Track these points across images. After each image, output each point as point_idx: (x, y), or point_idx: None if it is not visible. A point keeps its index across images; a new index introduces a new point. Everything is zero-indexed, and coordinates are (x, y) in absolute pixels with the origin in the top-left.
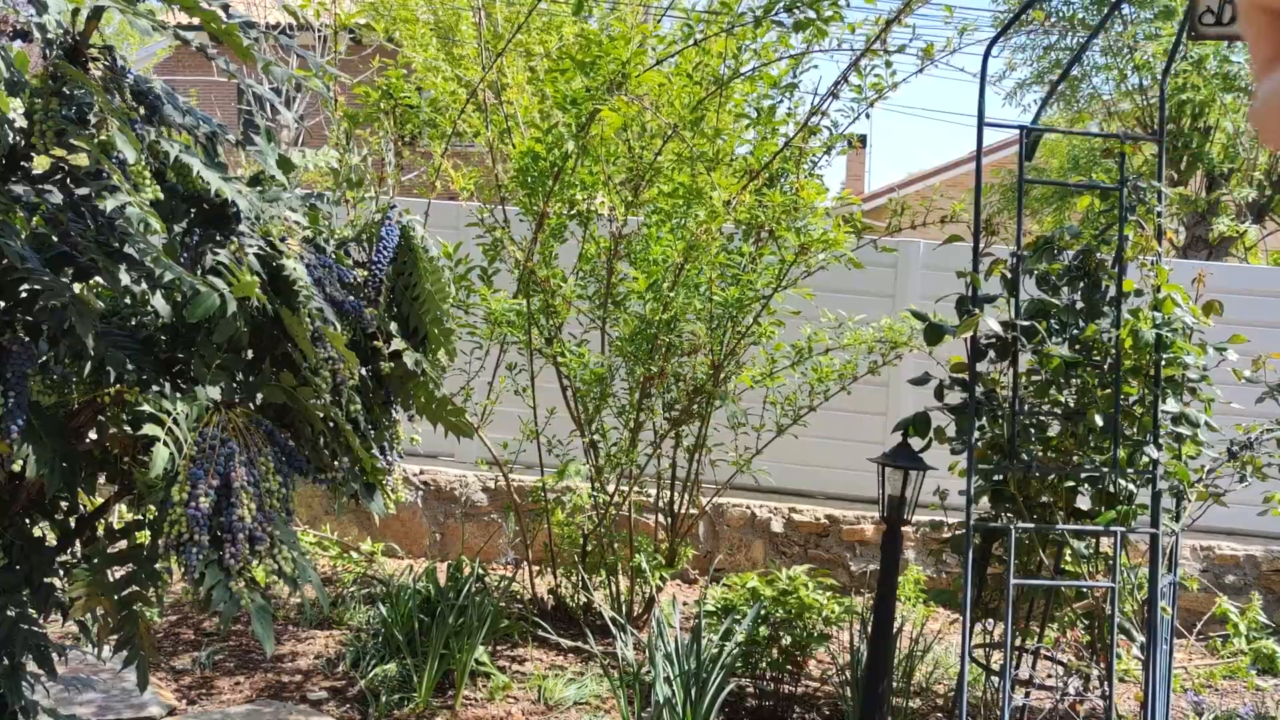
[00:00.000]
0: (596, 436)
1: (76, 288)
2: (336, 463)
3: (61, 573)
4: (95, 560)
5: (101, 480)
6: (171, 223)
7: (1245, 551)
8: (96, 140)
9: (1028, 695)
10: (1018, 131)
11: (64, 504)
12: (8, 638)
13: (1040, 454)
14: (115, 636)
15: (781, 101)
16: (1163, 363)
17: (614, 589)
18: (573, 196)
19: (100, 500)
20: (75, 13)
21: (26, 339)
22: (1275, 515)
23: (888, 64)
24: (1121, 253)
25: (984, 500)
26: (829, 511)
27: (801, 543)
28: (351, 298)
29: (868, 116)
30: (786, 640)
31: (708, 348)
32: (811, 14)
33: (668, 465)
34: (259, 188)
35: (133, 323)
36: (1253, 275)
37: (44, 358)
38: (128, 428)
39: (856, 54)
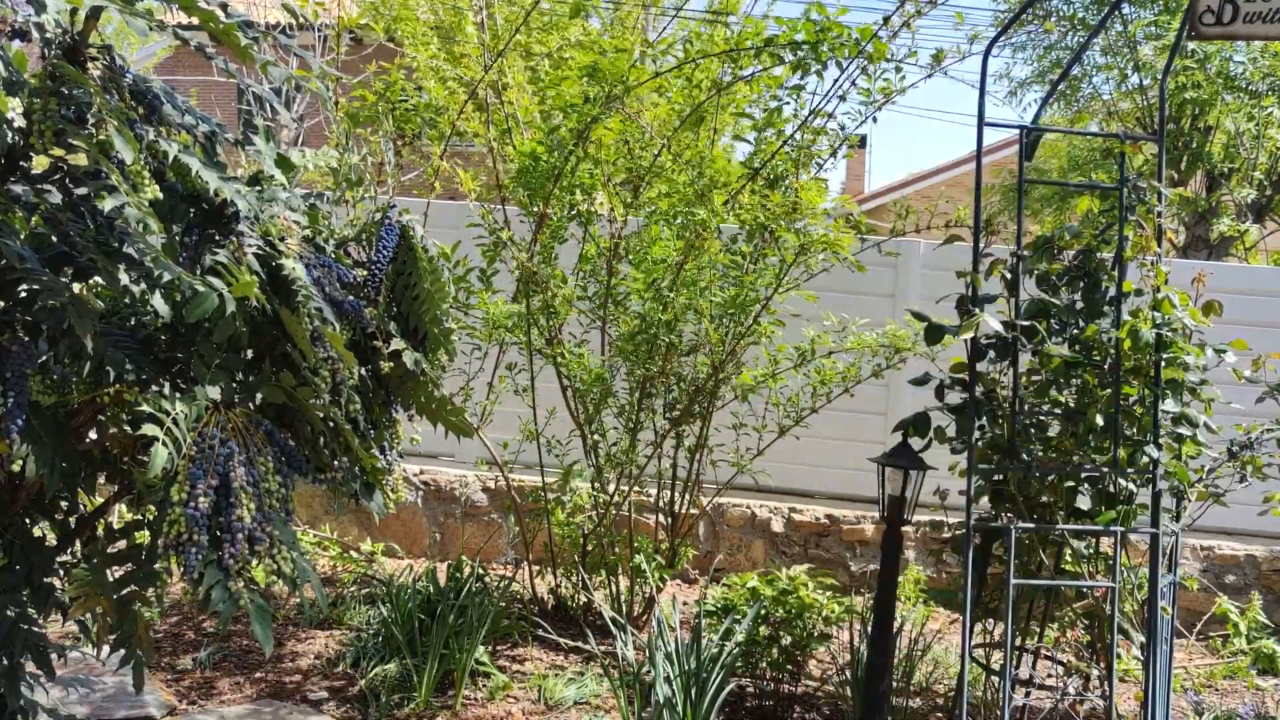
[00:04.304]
0: (597, 436)
1: (76, 287)
2: (336, 463)
3: (61, 573)
4: (95, 560)
5: (101, 480)
6: (171, 222)
7: (1245, 551)
8: (95, 140)
9: (1028, 695)
10: (1018, 131)
11: (64, 504)
12: (7, 638)
13: (1040, 454)
14: (114, 636)
15: (787, 103)
16: (1162, 363)
17: (614, 589)
18: (573, 200)
19: (100, 500)
20: (74, 12)
21: (26, 339)
22: (1275, 515)
23: (897, 68)
24: (1121, 253)
25: (984, 500)
26: (829, 511)
27: (801, 543)
28: (351, 297)
29: (874, 119)
30: (786, 640)
31: (709, 347)
32: (808, 55)
33: (668, 465)
34: (258, 187)
35: (132, 323)
36: (1253, 275)
37: (44, 358)
38: (127, 428)
39: (864, 61)
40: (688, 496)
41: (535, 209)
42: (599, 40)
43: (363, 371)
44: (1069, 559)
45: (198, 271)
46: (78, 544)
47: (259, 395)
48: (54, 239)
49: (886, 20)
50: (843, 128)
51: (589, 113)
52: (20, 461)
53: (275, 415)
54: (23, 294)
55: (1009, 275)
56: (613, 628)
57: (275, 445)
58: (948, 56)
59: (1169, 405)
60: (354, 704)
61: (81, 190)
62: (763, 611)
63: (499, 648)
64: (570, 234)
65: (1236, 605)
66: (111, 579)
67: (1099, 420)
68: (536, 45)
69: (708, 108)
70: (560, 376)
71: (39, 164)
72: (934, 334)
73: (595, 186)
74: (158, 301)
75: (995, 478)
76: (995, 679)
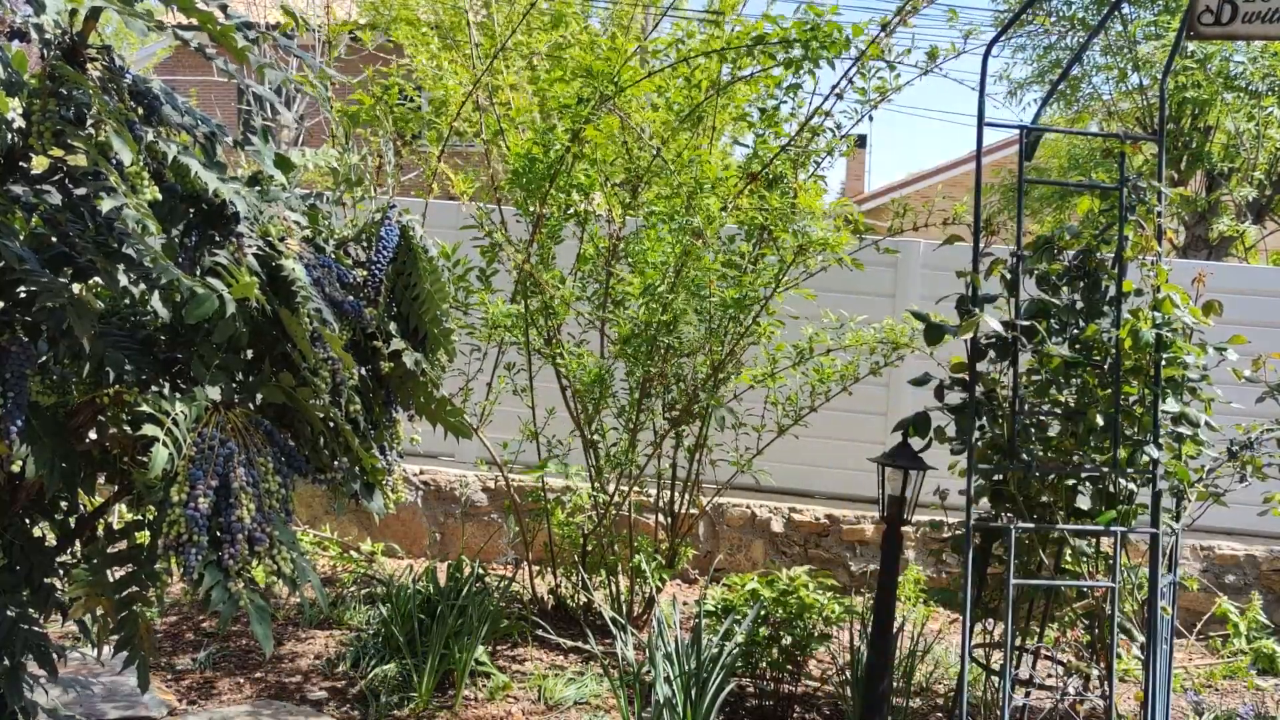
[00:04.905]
0: (596, 436)
1: (75, 288)
2: (336, 463)
3: (61, 573)
4: (95, 560)
5: (101, 480)
6: (170, 223)
7: (1245, 551)
8: (94, 141)
9: (1028, 695)
10: (1018, 131)
11: (64, 504)
12: (8, 638)
13: (1040, 454)
14: (115, 637)
15: (785, 102)
16: (1163, 362)
17: (614, 589)
18: (570, 201)
19: (100, 500)
20: (73, 13)
21: (25, 339)
22: (1275, 515)
23: (891, 66)
24: (1121, 253)
25: (984, 500)
26: (829, 511)
27: (801, 543)
28: (351, 298)
29: (870, 118)
30: (786, 640)
31: (707, 348)
32: (800, 53)
33: (668, 465)
34: (258, 188)
35: (132, 323)
36: (1253, 275)
37: (43, 358)
38: (127, 428)
39: (859, 56)
40: (687, 496)
41: (532, 209)
42: (597, 39)
43: (363, 372)
44: (1069, 559)
45: (197, 272)
46: (78, 544)
47: (259, 395)
48: (53, 239)
49: (884, 25)
50: (839, 126)
51: (582, 113)
52: (20, 462)
53: (275, 415)
54: (22, 295)
55: (1009, 275)
56: (613, 628)
57: (275, 445)
58: (943, 55)
59: (1169, 405)
60: (354, 704)
61: (81, 191)
62: (763, 612)
63: (499, 648)
64: (569, 234)
65: (1236, 605)
66: (111, 579)
67: (1099, 420)
68: (536, 44)
69: (706, 108)
70: (559, 377)
71: (38, 164)
72: (934, 334)
73: (593, 187)
74: (157, 302)
75: (995, 478)
76: (995, 679)
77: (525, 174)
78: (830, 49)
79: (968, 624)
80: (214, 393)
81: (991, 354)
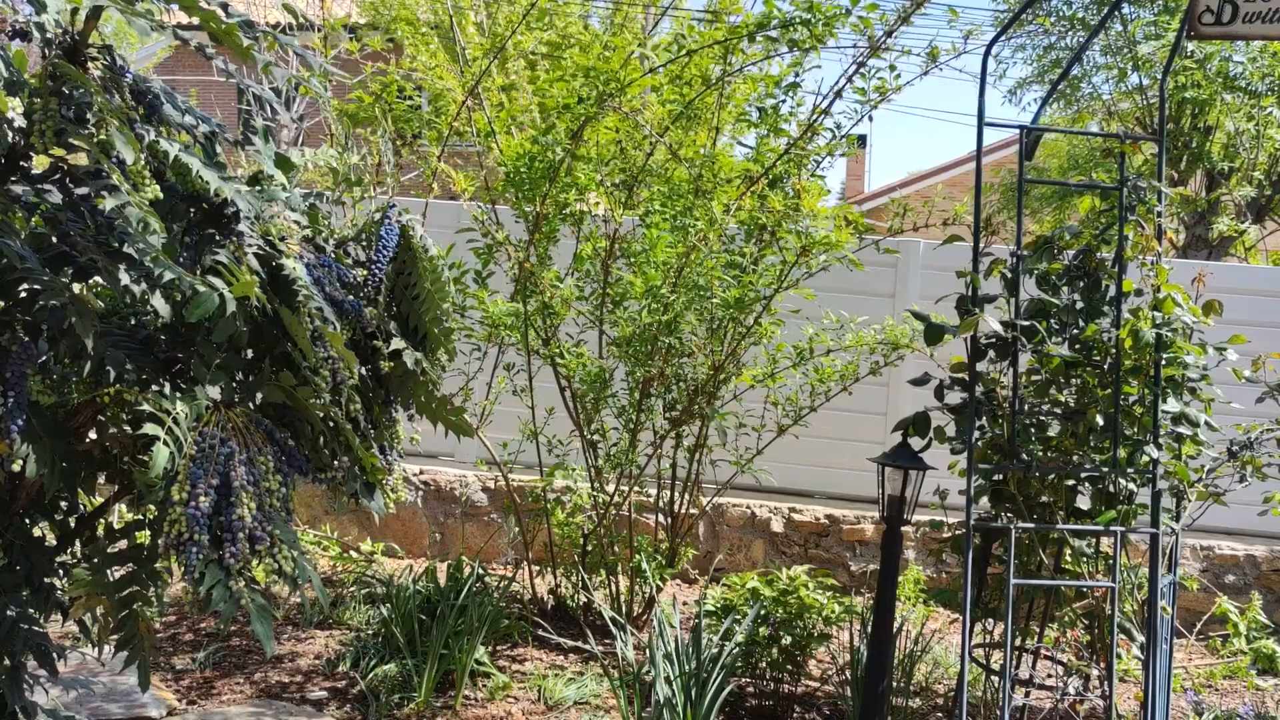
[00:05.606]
0: (596, 436)
1: (76, 287)
2: (336, 462)
3: (61, 573)
4: (95, 560)
5: (101, 480)
6: (171, 222)
7: (1245, 551)
8: (96, 140)
9: (1028, 695)
10: (1018, 131)
11: (64, 504)
12: (8, 637)
13: (1040, 454)
14: (115, 637)
15: (784, 101)
16: (1163, 362)
17: (614, 589)
18: (567, 200)
19: (100, 500)
20: (74, 12)
21: (26, 339)
22: (1275, 515)
23: (891, 67)
24: (1121, 252)
25: (984, 500)
26: (829, 511)
27: (801, 542)
28: (351, 297)
29: (870, 118)
30: (786, 640)
31: (708, 348)
32: (804, 34)
33: (668, 465)
34: (258, 187)
35: (132, 323)
36: (1253, 275)
37: (44, 357)
38: (127, 427)
39: (860, 55)
40: (687, 496)
41: (530, 209)
42: (598, 36)
43: (363, 371)
44: (1069, 559)
45: (198, 271)
46: (78, 544)
47: (259, 395)
48: (54, 239)
49: (888, 31)
50: (839, 126)
51: (584, 112)
52: (20, 461)
53: (275, 415)
54: (23, 294)
55: (1009, 275)
56: (613, 628)
57: (275, 445)
58: (944, 55)
59: (1169, 405)
60: (354, 704)
61: (82, 190)
62: (763, 612)
63: (499, 648)
64: (566, 234)
65: (1236, 605)
66: (111, 579)
67: (1099, 420)
68: (525, 44)
69: (698, 105)
70: (558, 377)
71: (39, 164)
72: (933, 334)
73: (589, 186)
74: (158, 301)
75: (995, 478)
76: (995, 679)
77: (523, 174)
78: (829, 24)
79: (968, 624)
80: (214, 392)
81: (991, 354)
